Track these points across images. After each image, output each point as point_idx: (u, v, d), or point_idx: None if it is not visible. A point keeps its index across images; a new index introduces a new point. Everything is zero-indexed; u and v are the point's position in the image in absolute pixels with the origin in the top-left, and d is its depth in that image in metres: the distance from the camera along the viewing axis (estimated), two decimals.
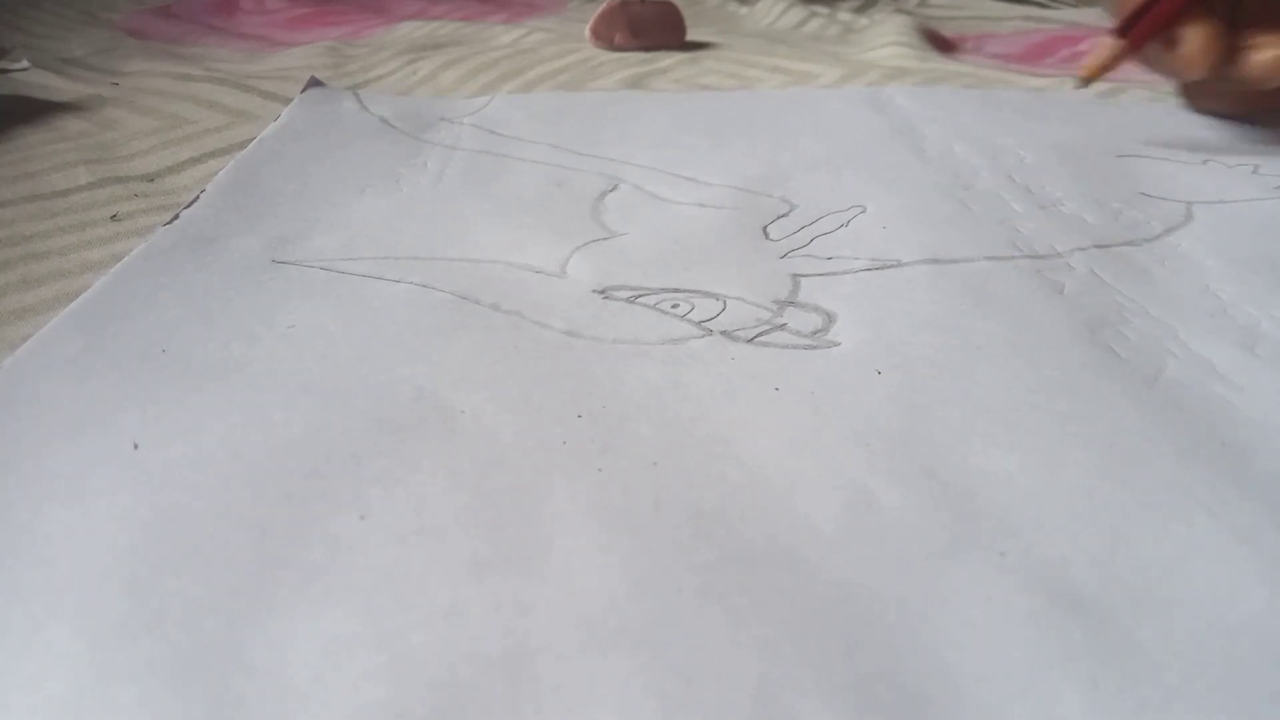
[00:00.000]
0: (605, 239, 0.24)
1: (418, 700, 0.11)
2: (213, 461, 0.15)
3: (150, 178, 0.29)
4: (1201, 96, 0.33)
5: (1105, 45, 0.29)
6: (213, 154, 0.31)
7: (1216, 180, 0.27)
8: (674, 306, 0.20)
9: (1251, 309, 0.20)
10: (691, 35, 0.49)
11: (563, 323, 0.20)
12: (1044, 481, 0.15)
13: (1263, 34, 0.28)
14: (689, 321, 0.20)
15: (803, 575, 0.13)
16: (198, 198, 0.26)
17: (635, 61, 0.44)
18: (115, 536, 0.14)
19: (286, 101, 0.35)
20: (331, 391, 0.17)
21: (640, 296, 0.21)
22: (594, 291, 0.21)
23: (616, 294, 0.21)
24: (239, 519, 0.14)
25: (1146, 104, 0.36)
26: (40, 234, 0.25)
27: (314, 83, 0.37)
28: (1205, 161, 0.29)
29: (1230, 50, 0.28)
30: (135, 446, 0.15)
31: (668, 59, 0.45)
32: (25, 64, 0.41)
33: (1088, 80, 0.30)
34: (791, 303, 0.21)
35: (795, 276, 0.22)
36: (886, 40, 0.47)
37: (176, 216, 0.24)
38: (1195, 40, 0.28)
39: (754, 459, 0.16)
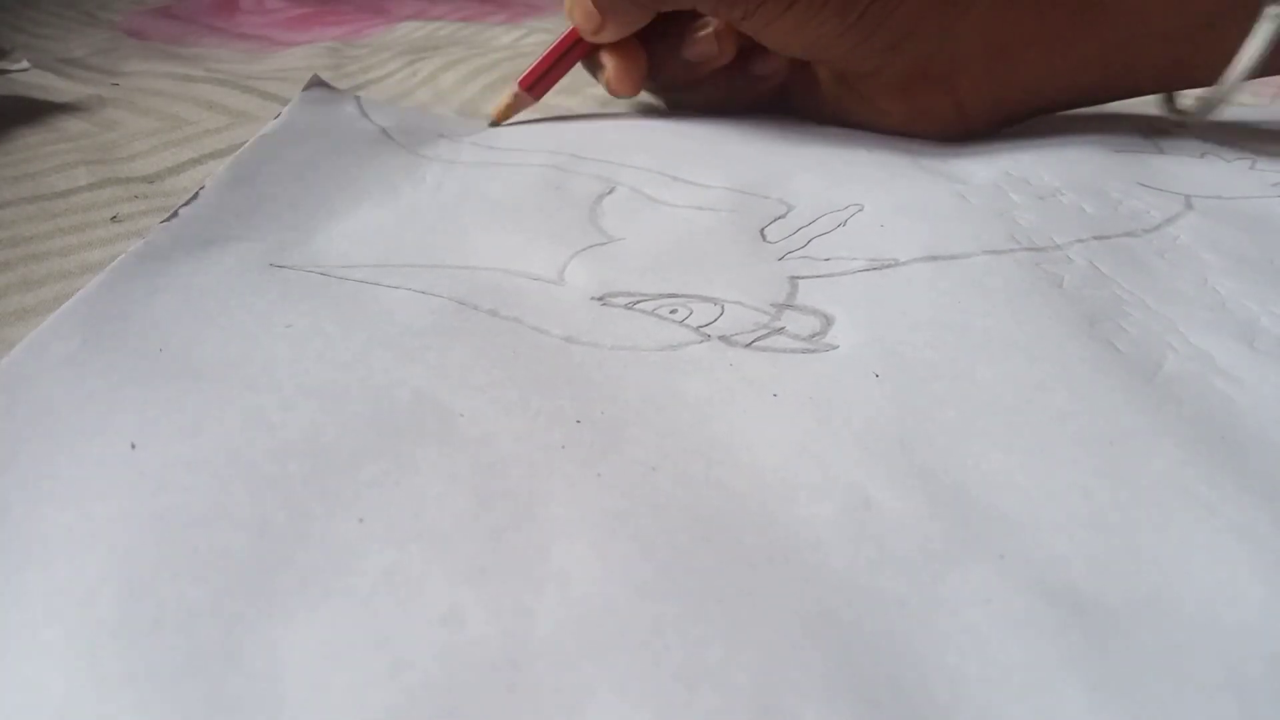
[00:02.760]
0: (603, 244, 0.24)
1: (416, 704, 0.11)
2: (210, 463, 0.15)
3: (150, 179, 0.29)
4: (668, 99, 0.35)
5: (511, 93, 0.33)
6: (213, 155, 0.31)
7: (1215, 174, 0.27)
8: (672, 312, 0.20)
9: (1251, 304, 0.20)
10: None
11: (561, 329, 0.20)
12: (1043, 481, 0.15)
13: (690, 29, 0.31)
14: (687, 327, 0.20)
15: (802, 579, 0.13)
16: (197, 194, 0.26)
17: None
18: (112, 538, 0.14)
19: (287, 103, 0.35)
20: (330, 393, 0.17)
21: (638, 303, 0.21)
22: (592, 299, 0.21)
23: (614, 300, 0.21)
24: (237, 521, 0.14)
25: (1144, 98, 0.35)
26: (40, 235, 0.25)
27: (317, 81, 0.36)
28: (1203, 155, 0.29)
29: (659, 56, 0.31)
30: (133, 447, 0.15)
31: None
32: (25, 64, 0.41)
33: (496, 123, 0.33)
34: (789, 305, 0.20)
35: (793, 279, 0.22)
36: None
37: (175, 214, 0.24)
38: (611, 68, 0.31)
39: (753, 463, 0.16)
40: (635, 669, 0.12)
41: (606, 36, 0.30)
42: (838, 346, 0.19)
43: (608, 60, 0.31)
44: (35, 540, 0.14)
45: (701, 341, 0.19)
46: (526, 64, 0.35)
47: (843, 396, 0.17)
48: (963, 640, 0.12)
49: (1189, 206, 0.25)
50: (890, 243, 0.23)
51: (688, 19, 0.30)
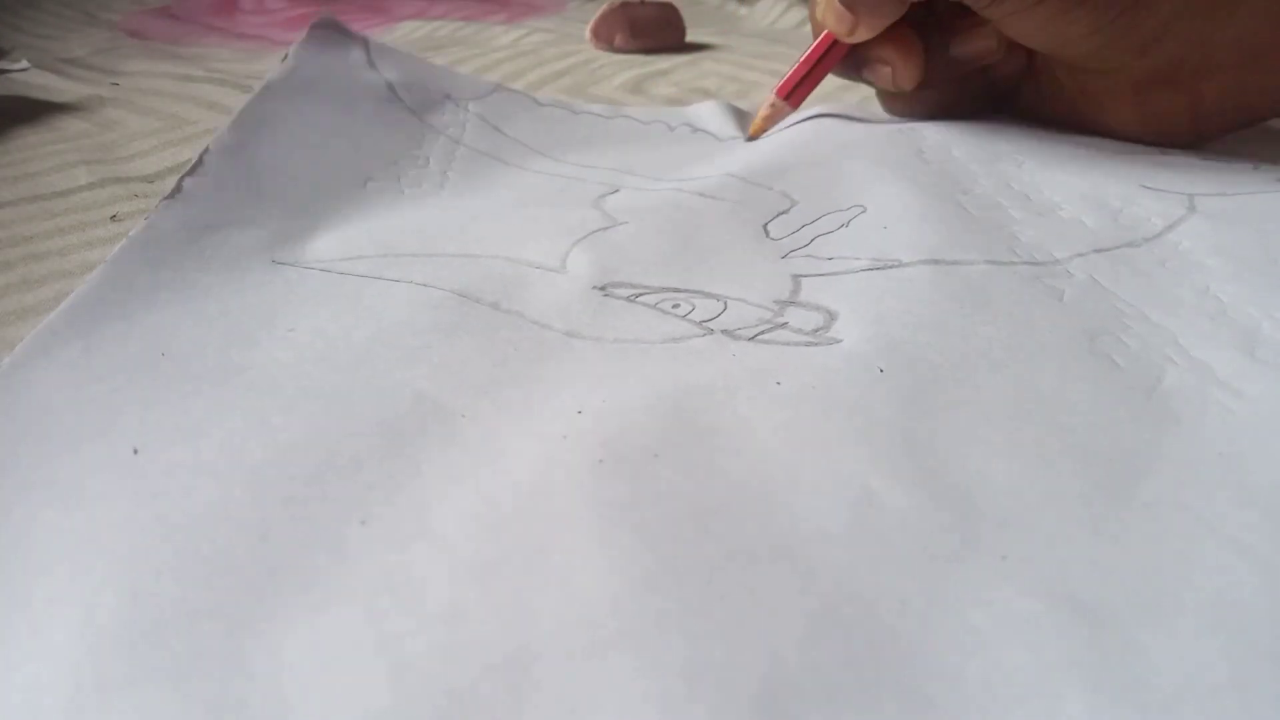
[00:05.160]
0: (606, 228, 0.24)
1: (419, 705, 0.11)
2: (213, 466, 0.15)
3: (150, 179, 0.29)
4: (898, 103, 0.34)
5: (768, 103, 0.32)
6: None
7: (1217, 176, 0.27)
8: (674, 307, 0.20)
9: (1252, 310, 0.20)
10: (691, 36, 0.49)
11: (563, 322, 0.20)
12: (1044, 490, 0.15)
13: (959, 26, 0.30)
14: (689, 321, 0.20)
15: (804, 574, 0.13)
16: (200, 162, 0.25)
17: (636, 63, 0.44)
18: (114, 542, 0.14)
19: None
20: (331, 395, 0.17)
21: (640, 296, 0.21)
22: (594, 288, 0.21)
23: (617, 291, 0.21)
24: (239, 524, 0.14)
25: None
26: (40, 234, 0.25)
27: (328, 19, 0.34)
28: (1205, 160, 0.29)
29: (932, 51, 0.30)
30: (135, 451, 0.15)
31: (668, 61, 0.45)
32: (25, 64, 0.41)
33: (754, 137, 0.33)
34: (792, 302, 0.20)
35: (796, 277, 0.22)
36: None
37: (179, 188, 0.24)
38: (895, 61, 0.30)
39: (756, 453, 0.16)
40: (637, 666, 0.12)
41: (861, 35, 0.29)
42: (841, 341, 0.19)
43: (889, 54, 0.30)
44: (37, 544, 0.14)
45: (704, 335, 0.19)
46: (526, 63, 0.35)
47: (846, 389, 0.17)
48: (964, 641, 0.12)
49: (1192, 208, 0.25)
50: (893, 244, 0.23)
51: (940, 16, 0.30)
